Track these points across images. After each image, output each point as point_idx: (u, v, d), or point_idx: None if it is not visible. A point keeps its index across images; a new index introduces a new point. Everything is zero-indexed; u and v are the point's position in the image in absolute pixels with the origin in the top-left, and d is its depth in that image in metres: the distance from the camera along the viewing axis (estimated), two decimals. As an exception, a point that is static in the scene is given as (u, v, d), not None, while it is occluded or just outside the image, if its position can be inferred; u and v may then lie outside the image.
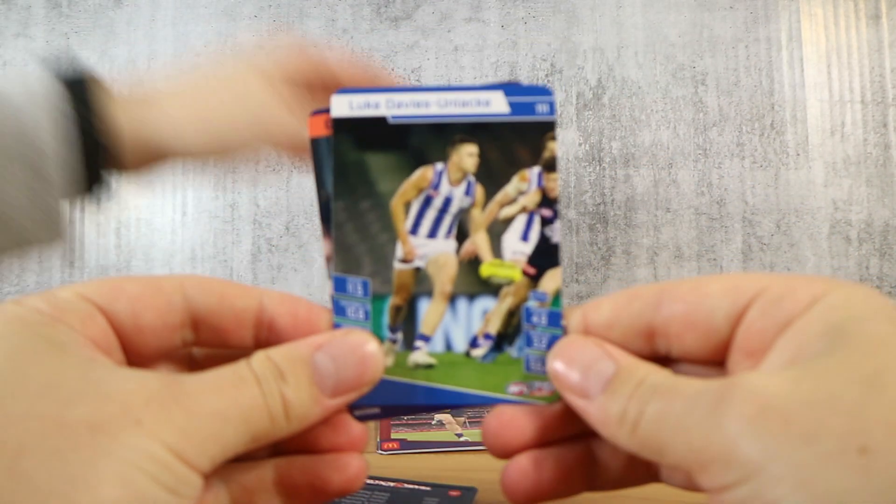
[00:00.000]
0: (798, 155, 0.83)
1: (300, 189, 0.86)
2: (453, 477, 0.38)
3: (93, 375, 0.22)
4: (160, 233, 0.87)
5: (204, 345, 0.28)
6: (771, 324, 0.24)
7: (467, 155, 0.29)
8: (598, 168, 0.84)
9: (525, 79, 0.86)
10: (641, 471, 0.28)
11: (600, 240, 0.84)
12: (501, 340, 0.28)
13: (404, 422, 0.49)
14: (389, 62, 0.87)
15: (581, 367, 0.26)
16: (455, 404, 0.29)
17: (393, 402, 0.28)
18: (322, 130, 0.30)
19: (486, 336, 0.29)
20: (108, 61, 0.88)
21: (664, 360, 0.28)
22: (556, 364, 0.26)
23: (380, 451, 0.45)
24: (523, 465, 0.28)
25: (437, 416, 0.50)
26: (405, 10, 0.87)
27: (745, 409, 0.20)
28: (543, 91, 0.29)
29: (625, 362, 0.25)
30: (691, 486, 0.28)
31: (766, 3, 0.84)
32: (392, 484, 0.38)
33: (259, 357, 0.24)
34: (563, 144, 0.85)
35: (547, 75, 0.85)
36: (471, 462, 0.42)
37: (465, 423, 0.49)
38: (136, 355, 0.26)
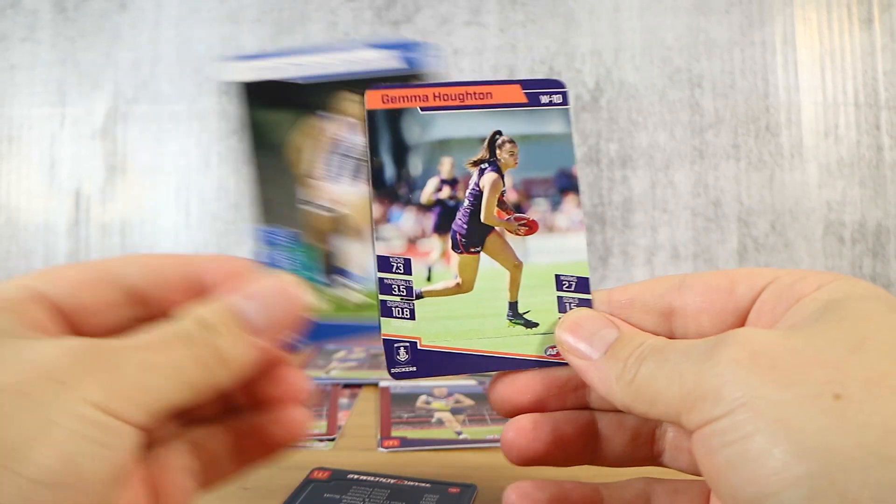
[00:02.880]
0: (793, 157, 0.84)
1: (302, 190, 0.87)
2: (453, 474, 0.39)
3: (13, 344, 0.23)
4: (164, 233, 0.88)
5: (153, 318, 0.29)
6: (782, 304, 0.26)
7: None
8: (595, 169, 0.85)
9: (524, 81, 0.87)
10: (644, 450, 0.31)
11: (598, 240, 0.85)
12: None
13: (404, 420, 0.50)
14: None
15: (586, 334, 0.28)
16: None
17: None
18: (378, 104, 0.31)
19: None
20: (112, 65, 0.89)
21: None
22: (564, 334, 0.28)
23: (380, 449, 0.46)
24: (522, 424, 0.30)
25: (437, 415, 0.51)
26: (405, 14, 0.88)
27: (736, 352, 0.22)
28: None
29: (626, 329, 0.28)
30: (692, 468, 0.29)
31: (761, 8, 0.85)
32: (392, 481, 0.39)
33: (182, 313, 0.25)
34: (562, 146, 0.86)
35: (546, 77, 0.86)
36: (470, 460, 0.43)
37: (464, 420, 0.50)
38: (84, 334, 0.27)
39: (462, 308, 0.32)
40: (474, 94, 0.32)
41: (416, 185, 0.32)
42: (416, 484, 0.38)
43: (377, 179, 0.32)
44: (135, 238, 0.88)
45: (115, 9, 0.90)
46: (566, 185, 0.33)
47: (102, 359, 0.22)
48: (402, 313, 0.31)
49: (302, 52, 0.32)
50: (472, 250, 0.33)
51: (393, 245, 0.32)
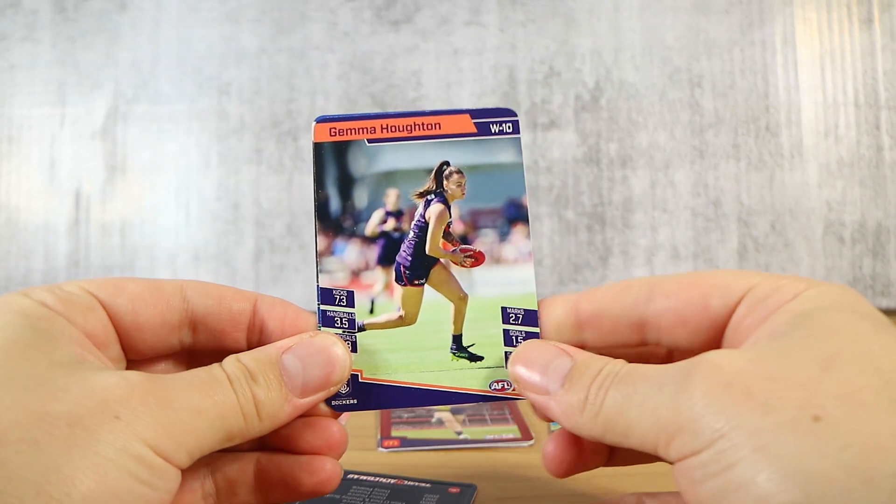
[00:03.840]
0: (793, 157, 0.84)
1: (302, 190, 0.87)
2: (453, 474, 0.39)
3: (78, 373, 0.23)
4: (164, 233, 0.88)
5: (201, 346, 0.29)
6: (756, 319, 0.25)
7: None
8: (595, 169, 0.85)
9: (523, 80, 0.87)
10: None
11: (598, 240, 0.85)
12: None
13: (404, 420, 0.50)
14: (390, 64, 0.88)
15: (539, 367, 0.27)
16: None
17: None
18: (325, 136, 0.31)
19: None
20: (112, 65, 0.90)
21: (654, 348, 0.30)
22: (517, 368, 0.28)
23: (380, 449, 0.46)
24: (563, 436, 0.30)
25: (437, 415, 0.51)
26: (405, 14, 0.88)
27: (710, 383, 0.22)
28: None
29: (580, 357, 0.27)
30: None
31: (761, 8, 0.85)
32: (392, 481, 0.39)
33: (230, 359, 0.26)
34: (562, 146, 0.86)
35: (545, 78, 0.87)
36: (470, 459, 0.43)
37: (464, 420, 0.50)
38: (133, 352, 0.27)
39: (405, 341, 0.31)
40: (423, 124, 0.32)
41: (360, 217, 0.32)
42: (416, 484, 0.38)
43: (322, 211, 0.32)
44: (135, 238, 0.88)
45: (115, 9, 0.90)
46: (515, 215, 0.33)
47: (158, 397, 0.23)
48: None
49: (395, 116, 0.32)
50: (416, 282, 0.32)
51: (336, 277, 0.31)
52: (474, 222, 0.33)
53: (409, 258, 0.32)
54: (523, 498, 0.35)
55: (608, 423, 0.24)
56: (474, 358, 0.31)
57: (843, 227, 0.83)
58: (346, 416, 0.43)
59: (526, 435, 0.45)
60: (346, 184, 0.32)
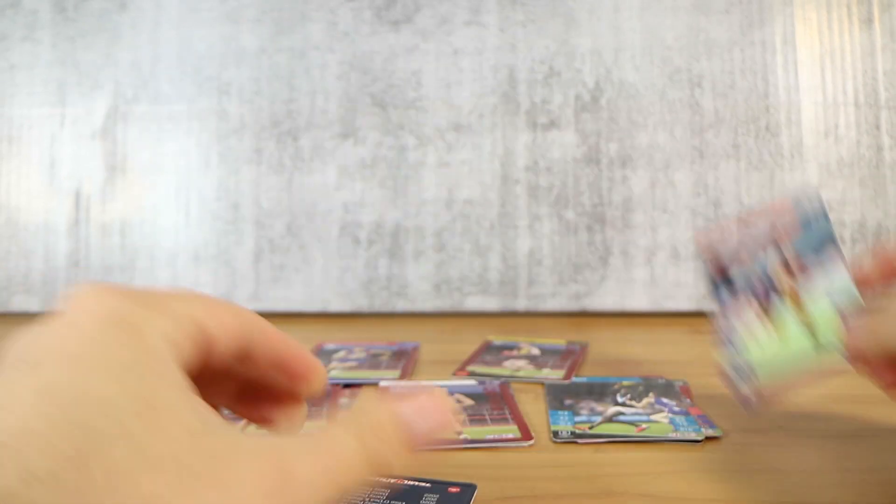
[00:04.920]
0: (793, 157, 0.84)
1: (302, 190, 0.87)
2: (453, 474, 0.39)
3: (234, 440, 0.21)
4: (164, 233, 0.88)
5: (220, 377, 0.28)
6: None
7: None
8: (595, 169, 0.85)
9: (523, 80, 0.87)
10: None
11: (598, 240, 0.85)
12: None
13: (405, 420, 0.50)
14: (390, 64, 0.88)
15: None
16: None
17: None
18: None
19: None
20: (112, 65, 0.90)
21: None
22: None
23: (381, 449, 0.45)
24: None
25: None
26: (405, 14, 0.88)
27: None
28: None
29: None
30: None
31: (761, 8, 0.85)
32: (392, 480, 0.39)
33: (356, 415, 0.25)
34: (562, 146, 0.86)
35: (545, 78, 0.87)
36: (470, 459, 0.43)
37: (465, 420, 0.50)
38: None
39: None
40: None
41: None
42: (416, 483, 0.38)
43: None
44: (135, 238, 0.88)
45: (115, 9, 0.90)
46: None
47: (295, 469, 0.21)
48: None
49: None
50: None
51: None
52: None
53: None
54: (523, 498, 0.35)
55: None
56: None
57: (844, 226, 0.83)
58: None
59: (526, 435, 0.45)
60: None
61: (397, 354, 0.65)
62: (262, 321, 0.27)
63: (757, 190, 0.84)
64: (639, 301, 0.84)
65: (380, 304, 0.86)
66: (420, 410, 0.26)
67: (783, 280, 0.40)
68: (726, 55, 0.85)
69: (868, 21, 0.84)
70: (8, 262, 0.89)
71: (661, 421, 0.43)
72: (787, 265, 0.40)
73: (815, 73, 0.84)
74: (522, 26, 0.87)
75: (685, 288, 0.83)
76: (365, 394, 0.56)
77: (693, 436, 0.41)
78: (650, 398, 0.48)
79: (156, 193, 0.89)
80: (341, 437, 0.24)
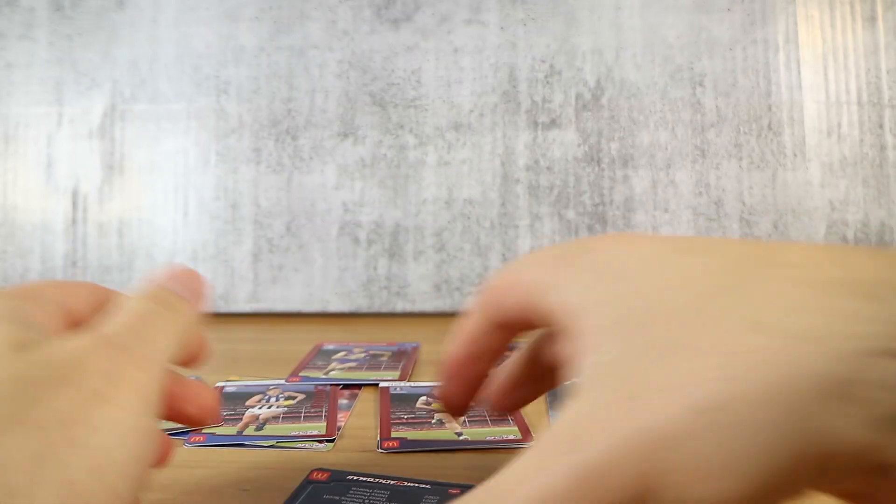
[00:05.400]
0: (795, 156, 0.83)
1: (301, 190, 0.87)
2: (453, 475, 0.39)
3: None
4: (162, 233, 0.87)
5: None
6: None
7: None
8: (596, 169, 0.85)
9: (524, 79, 0.86)
10: None
11: (599, 240, 0.84)
12: None
13: (404, 421, 0.50)
14: (390, 63, 0.87)
15: None
16: None
17: None
18: None
19: None
20: (110, 63, 0.89)
21: None
22: None
23: (380, 450, 0.45)
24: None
25: (437, 416, 0.50)
26: (405, 12, 0.87)
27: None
28: None
29: None
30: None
31: (764, 6, 0.84)
32: (392, 482, 0.38)
33: (141, 290, 0.29)
34: (563, 145, 0.85)
35: (546, 76, 0.86)
36: (470, 461, 0.43)
37: (464, 422, 0.50)
38: None
39: None
40: None
41: None
42: (416, 485, 0.38)
43: None
44: (132, 237, 0.88)
45: (113, 7, 0.89)
46: None
47: (135, 358, 0.24)
48: None
49: None
50: None
51: None
52: None
53: None
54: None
55: None
56: None
57: (846, 226, 0.83)
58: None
59: (526, 436, 0.45)
60: None
61: (397, 355, 0.64)
62: (115, 293, 0.31)
63: (759, 189, 0.83)
64: (640, 301, 0.83)
65: (379, 305, 0.86)
66: (176, 278, 0.31)
67: None
68: (728, 54, 0.84)
69: (871, 19, 0.83)
70: (4, 262, 0.88)
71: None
72: None
73: (818, 72, 0.84)
74: (523, 25, 0.86)
75: (687, 288, 0.83)
76: (364, 395, 0.56)
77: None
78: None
79: (154, 193, 0.88)
80: (129, 300, 0.28)
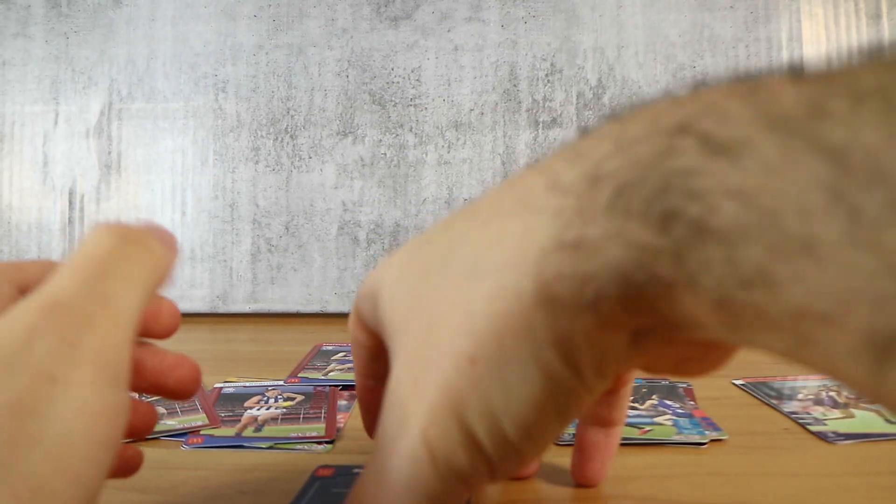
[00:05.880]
0: (798, 155, 0.83)
1: (300, 189, 0.86)
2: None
3: None
4: (160, 233, 0.87)
5: None
6: None
7: None
8: (598, 168, 0.84)
9: (525, 78, 0.86)
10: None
11: (600, 240, 0.84)
12: None
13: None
14: (389, 62, 0.86)
15: None
16: None
17: None
18: None
19: None
20: (107, 61, 0.88)
21: None
22: None
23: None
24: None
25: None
26: (405, 10, 0.87)
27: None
28: None
29: None
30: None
31: (767, 3, 0.83)
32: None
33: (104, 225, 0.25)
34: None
35: (547, 75, 0.85)
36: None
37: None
38: None
39: None
40: None
41: None
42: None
43: None
44: (129, 237, 0.87)
45: (110, 4, 0.88)
46: None
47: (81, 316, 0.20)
48: None
49: None
50: None
51: None
52: None
53: None
54: (525, 501, 0.34)
55: None
56: None
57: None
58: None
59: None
60: None
61: (397, 355, 0.63)
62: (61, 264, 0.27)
63: (762, 189, 0.83)
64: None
65: (379, 305, 0.85)
66: (151, 229, 0.26)
67: None
68: (731, 52, 0.84)
69: (876, 17, 0.83)
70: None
71: (665, 423, 0.42)
72: None
73: (822, 70, 0.83)
74: (524, 22, 0.86)
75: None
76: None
77: (697, 438, 0.39)
78: (653, 400, 0.47)
79: (151, 192, 0.87)
80: (84, 242, 0.23)
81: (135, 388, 0.26)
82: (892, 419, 0.42)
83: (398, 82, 0.86)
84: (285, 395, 0.52)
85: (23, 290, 0.24)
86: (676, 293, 0.16)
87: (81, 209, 0.87)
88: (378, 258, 0.85)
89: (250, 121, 0.87)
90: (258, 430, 0.44)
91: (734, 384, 0.52)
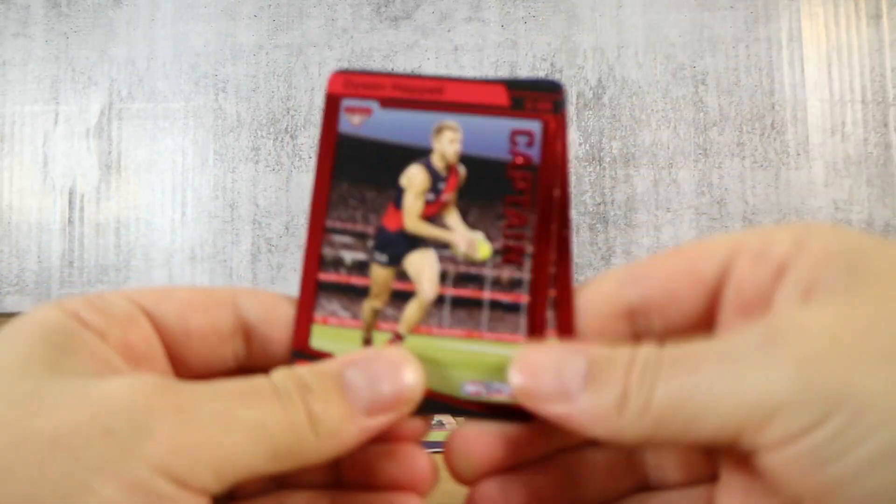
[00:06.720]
0: (798, 155, 0.83)
1: (300, 189, 0.86)
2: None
3: (79, 382, 0.19)
4: (160, 232, 0.87)
5: (258, 361, 0.25)
6: (763, 272, 0.22)
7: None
8: (598, 168, 0.84)
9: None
10: (625, 481, 0.26)
11: (600, 240, 0.84)
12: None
13: (404, 423, 0.49)
14: (389, 62, 0.86)
15: (552, 371, 0.23)
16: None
17: None
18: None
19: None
20: (107, 61, 0.88)
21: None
22: (519, 378, 0.23)
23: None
24: (490, 493, 0.25)
25: (437, 416, 0.50)
26: (405, 10, 0.87)
27: (805, 346, 0.18)
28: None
29: (596, 350, 0.22)
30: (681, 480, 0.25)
31: (767, 3, 0.83)
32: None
33: (279, 370, 0.22)
34: (564, 144, 0.85)
35: (547, 75, 0.85)
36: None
37: (464, 422, 0.49)
38: (182, 365, 0.23)
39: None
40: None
41: None
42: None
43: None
44: (130, 237, 0.87)
45: (110, 4, 0.88)
46: None
47: (174, 404, 0.18)
48: None
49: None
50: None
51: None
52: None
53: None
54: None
55: (663, 419, 0.20)
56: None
57: (851, 226, 0.82)
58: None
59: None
60: None
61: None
62: (259, 292, 0.25)
63: (762, 188, 0.83)
64: (642, 302, 0.83)
65: (379, 305, 0.85)
66: (366, 366, 0.23)
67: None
68: (731, 52, 0.84)
69: (876, 17, 0.83)
70: (0, 262, 0.87)
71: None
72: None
73: (822, 70, 0.83)
74: (524, 22, 0.86)
75: (689, 288, 0.82)
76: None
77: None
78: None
79: (151, 192, 0.87)
80: (261, 389, 0.20)
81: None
82: None
83: (398, 82, 0.86)
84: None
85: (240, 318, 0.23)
86: None
87: (81, 209, 0.87)
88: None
89: (250, 121, 0.87)
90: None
91: None
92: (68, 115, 0.88)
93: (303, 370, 0.21)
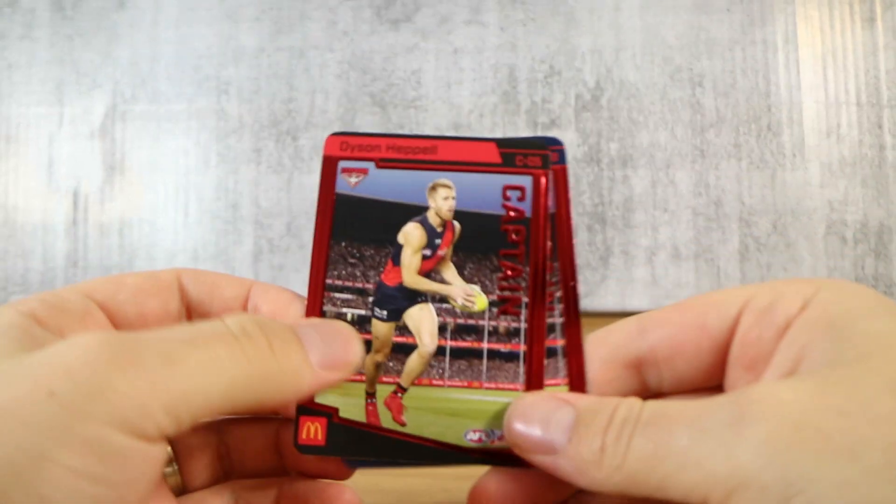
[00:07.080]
0: (794, 156, 0.83)
1: (301, 190, 0.87)
2: (453, 475, 0.39)
3: (23, 357, 0.19)
4: (163, 233, 0.87)
5: None
6: (767, 330, 0.22)
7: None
8: (596, 169, 0.85)
9: (523, 80, 0.86)
10: None
11: (598, 240, 0.84)
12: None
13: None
14: (390, 64, 0.87)
15: (539, 421, 0.23)
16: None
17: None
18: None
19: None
20: (110, 64, 0.89)
21: (655, 395, 0.27)
22: (515, 425, 0.24)
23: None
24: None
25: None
26: (405, 13, 0.87)
27: (773, 424, 0.19)
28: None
29: (583, 402, 0.23)
30: None
31: (763, 6, 0.84)
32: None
33: (238, 314, 0.22)
34: (562, 146, 0.85)
35: (546, 77, 0.86)
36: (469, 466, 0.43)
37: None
38: None
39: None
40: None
41: None
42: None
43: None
44: (133, 238, 0.88)
45: (114, 7, 0.89)
46: None
47: (117, 355, 0.18)
48: None
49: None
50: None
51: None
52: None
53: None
54: None
55: (636, 476, 0.21)
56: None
57: (846, 226, 0.83)
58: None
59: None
60: None
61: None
62: (200, 272, 0.27)
63: (758, 189, 0.83)
64: (639, 301, 0.83)
65: (379, 305, 0.86)
66: (323, 332, 0.24)
67: None
68: (727, 54, 0.84)
69: (870, 20, 0.83)
70: (5, 263, 0.88)
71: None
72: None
73: (817, 72, 0.84)
74: (523, 25, 0.86)
75: (686, 288, 0.83)
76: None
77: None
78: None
79: (154, 193, 0.88)
80: (220, 332, 0.21)
81: None
82: None
83: (398, 84, 0.87)
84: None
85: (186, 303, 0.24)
86: None
87: (86, 210, 0.88)
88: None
89: (252, 122, 0.88)
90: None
91: None
92: (73, 117, 0.89)
93: (260, 317, 0.23)
